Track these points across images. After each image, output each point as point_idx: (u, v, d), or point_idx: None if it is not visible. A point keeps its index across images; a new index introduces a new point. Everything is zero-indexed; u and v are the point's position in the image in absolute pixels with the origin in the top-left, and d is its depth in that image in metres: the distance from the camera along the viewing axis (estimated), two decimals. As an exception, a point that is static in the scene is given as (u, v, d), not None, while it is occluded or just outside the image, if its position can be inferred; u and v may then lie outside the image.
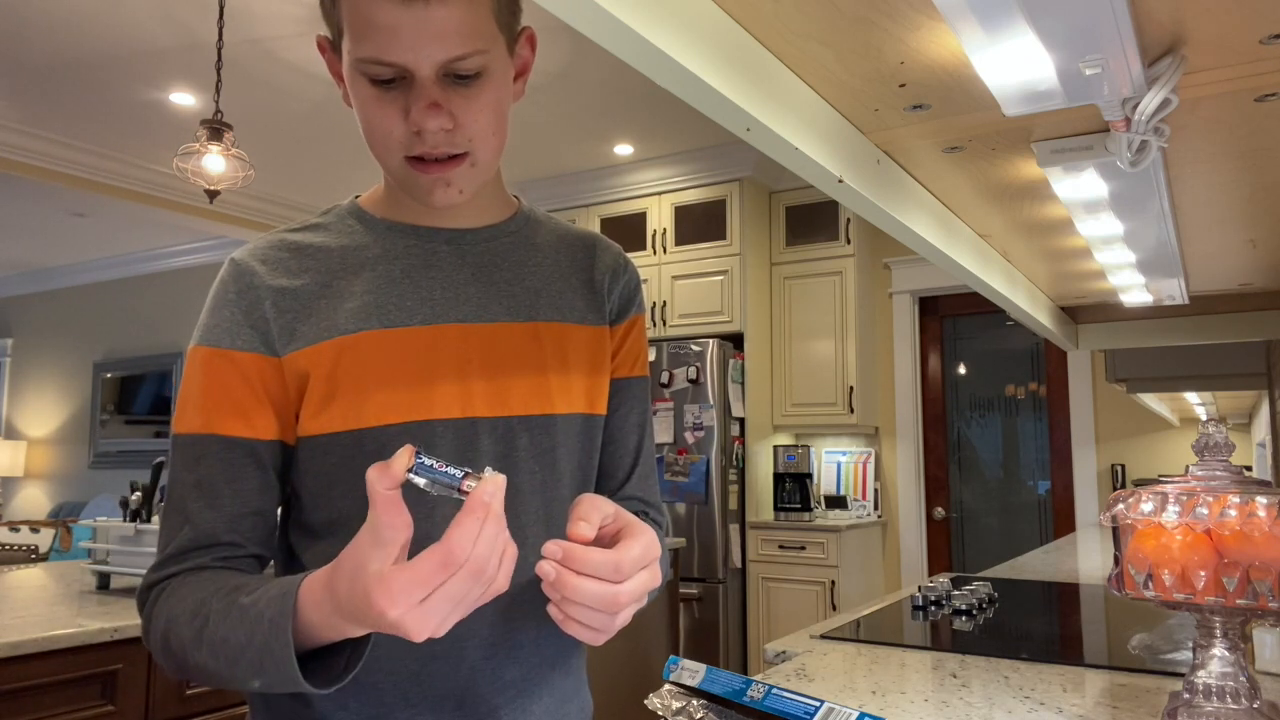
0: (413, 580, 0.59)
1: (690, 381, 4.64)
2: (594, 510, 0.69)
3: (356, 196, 0.92)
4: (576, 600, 0.66)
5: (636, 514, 0.95)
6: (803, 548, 4.54)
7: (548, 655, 0.88)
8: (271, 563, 0.87)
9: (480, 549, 0.59)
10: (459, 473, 0.62)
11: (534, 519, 0.86)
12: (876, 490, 4.98)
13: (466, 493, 0.61)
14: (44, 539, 4.97)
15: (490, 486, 0.60)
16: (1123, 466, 4.44)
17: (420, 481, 0.61)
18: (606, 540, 0.70)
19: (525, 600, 0.86)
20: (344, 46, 0.77)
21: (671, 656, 0.79)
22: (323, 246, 0.86)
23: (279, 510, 0.87)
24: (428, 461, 0.61)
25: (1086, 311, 2.61)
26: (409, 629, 0.60)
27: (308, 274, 0.84)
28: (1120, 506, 0.94)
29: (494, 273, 0.89)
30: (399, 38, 0.72)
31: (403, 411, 0.81)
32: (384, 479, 0.60)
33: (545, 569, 0.65)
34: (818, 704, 0.69)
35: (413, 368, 0.82)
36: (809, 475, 4.82)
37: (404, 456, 0.61)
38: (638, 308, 0.99)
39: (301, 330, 0.82)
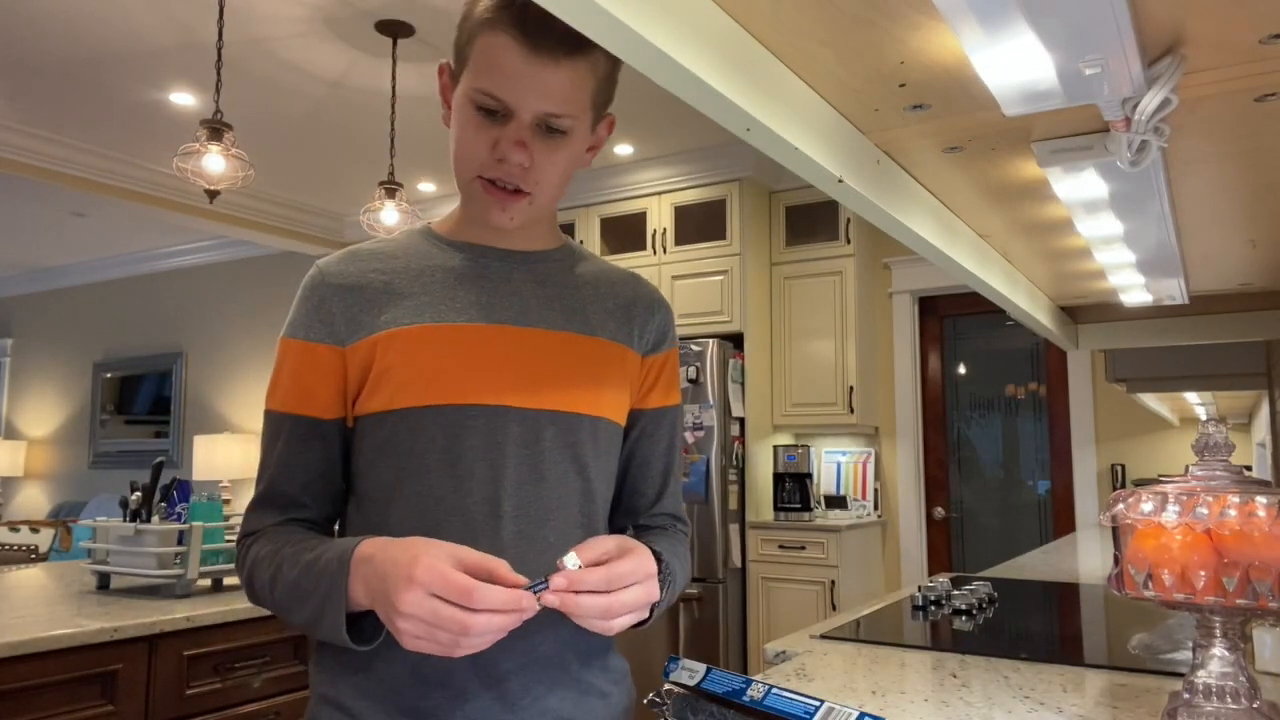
0: (422, 606, 0.76)
1: (690, 381, 4.64)
2: (593, 547, 0.84)
3: (429, 224, 1.07)
4: (579, 613, 0.81)
5: (664, 528, 1.09)
6: (803, 547, 4.53)
7: (569, 642, 0.97)
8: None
9: (478, 619, 0.75)
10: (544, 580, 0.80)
11: (556, 505, 0.96)
12: (876, 490, 4.98)
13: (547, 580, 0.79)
14: (44, 539, 4.97)
15: (565, 580, 0.79)
16: (1123, 466, 4.44)
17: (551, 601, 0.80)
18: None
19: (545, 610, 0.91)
20: (464, 77, 0.92)
21: (671, 656, 0.81)
22: (388, 254, 1.01)
23: (342, 479, 1.01)
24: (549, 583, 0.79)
25: (1086, 311, 2.60)
26: (398, 633, 0.77)
27: (373, 274, 0.99)
28: (1120, 506, 0.94)
29: (538, 289, 1.01)
30: (516, 83, 0.88)
31: (446, 395, 0.93)
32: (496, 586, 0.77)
33: (550, 600, 0.80)
34: (817, 704, 0.69)
35: (457, 358, 0.94)
36: (809, 475, 4.82)
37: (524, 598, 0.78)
38: (670, 343, 1.11)
39: (365, 321, 0.96)
